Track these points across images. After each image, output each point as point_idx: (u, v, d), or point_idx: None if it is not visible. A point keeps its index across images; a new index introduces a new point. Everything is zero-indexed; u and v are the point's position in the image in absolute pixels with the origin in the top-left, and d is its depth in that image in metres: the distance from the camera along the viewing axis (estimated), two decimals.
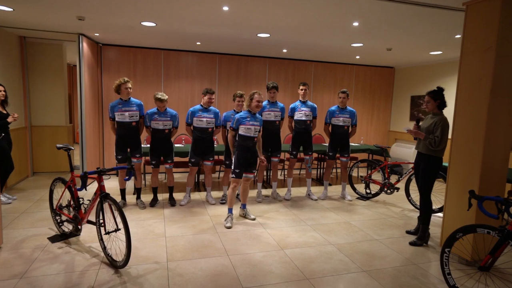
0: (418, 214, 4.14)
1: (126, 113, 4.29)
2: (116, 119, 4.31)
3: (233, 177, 4.06)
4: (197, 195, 5.26)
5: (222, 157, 5.56)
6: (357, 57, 6.73)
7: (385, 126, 8.14)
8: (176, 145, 5.46)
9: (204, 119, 4.56)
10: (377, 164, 5.15)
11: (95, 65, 5.91)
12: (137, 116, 4.38)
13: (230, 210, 4.13)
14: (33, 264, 2.92)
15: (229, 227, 3.96)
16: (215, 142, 6.00)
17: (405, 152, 7.29)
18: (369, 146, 6.51)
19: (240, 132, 4.02)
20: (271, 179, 5.28)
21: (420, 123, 3.69)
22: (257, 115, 4.11)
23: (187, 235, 3.68)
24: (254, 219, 4.22)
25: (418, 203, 4.77)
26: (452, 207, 3.31)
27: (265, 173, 6.02)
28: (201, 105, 4.64)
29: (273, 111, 4.81)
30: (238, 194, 5.09)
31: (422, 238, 3.60)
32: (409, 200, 4.74)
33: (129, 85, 4.28)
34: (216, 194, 5.32)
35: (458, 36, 4.64)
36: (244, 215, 4.29)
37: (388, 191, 4.99)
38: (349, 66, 7.62)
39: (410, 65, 7.49)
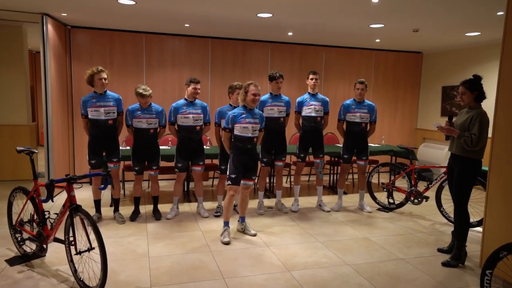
0: (452, 229, 4.12)
1: (101, 109, 4.29)
2: (90, 116, 4.31)
3: (229, 184, 4.05)
4: (186, 207, 5.24)
5: (216, 161, 5.55)
6: (377, 40, 6.73)
7: (411, 123, 8.14)
8: (161, 147, 5.46)
9: (190, 115, 4.55)
10: (402, 169, 5.14)
11: (62, 51, 5.91)
12: (114, 112, 4.38)
13: (226, 224, 4.12)
14: None
15: (226, 243, 3.96)
16: (208, 143, 5.99)
17: (436, 154, 7.28)
18: (392, 147, 6.49)
19: (236, 132, 4.00)
20: (275, 187, 5.28)
21: (454, 119, 3.68)
22: (256, 110, 4.10)
23: (174, 254, 3.66)
24: (254, 235, 4.20)
25: (452, 215, 4.76)
26: (493, 219, 3.29)
27: (267, 180, 6.01)
28: (185, 99, 4.64)
29: (277, 105, 4.80)
30: (235, 205, 5.08)
31: (458, 257, 3.58)
32: (441, 212, 4.73)
33: (104, 75, 4.27)
34: (210, 205, 5.31)
35: (500, 13, 4.63)
36: (243, 230, 4.28)
37: (416, 200, 4.98)
38: (367, 51, 7.61)
39: (441, 49, 7.49)
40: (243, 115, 3.99)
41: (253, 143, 4.05)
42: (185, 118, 4.54)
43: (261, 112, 4.21)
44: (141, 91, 4.31)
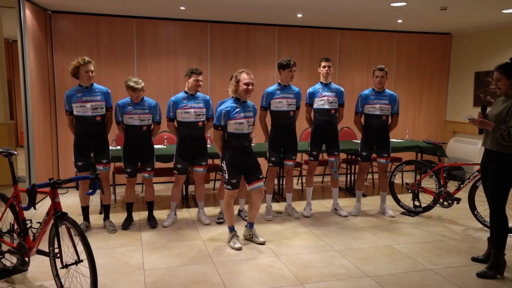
0: (488, 235, 4.10)
1: (88, 105, 4.31)
2: (75, 112, 4.34)
3: (228, 189, 4.06)
4: (185, 213, 5.26)
5: (218, 161, 5.57)
6: (399, 21, 6.69)
7: (439, 115, 8.09)
8: (156, 146, 5.48)
9: (191, 110, 4.57)
10: (429, 167, 5.11)
11: (43, 40, 5.95)
12: (102, 108, 4.40)
13: (231, 228, 4.16)
14: None
15: (238, 249, 4.01)
16: (208, 141, 6.00)
17: (468, 149, 7.23)
18: (417, 142, 6.46)
19: (230, 130, 3.99)
20: (285, 189, 5.28)
21: (488, 110, 3.65)
22: (248, 102, 4.09)
23: (172, 266, 3.68)
24: (263, 243, 4.21)
25: (488, 219, 4.73)
26: None
27: (276, 182, 6.02)
28: (185, 92, 4.65)
29: (286, 97, 4.79)
30: (240, 210, 5.10)
31: (495, 267, 3.56)
32: (475, 215, 4.70)
33: (91, 67, 4.29)
34: (211, 210, 5.32)
35: None
36: (251, 237, 4.30)
37: (445, 203, 4.96)
38: (388, 34, 7.57)
39: (473, 29, 7.43)
40: (237, 109, 3.95)
41: (249, 139, 4.07)
42: (185, 113, 4.55)
43: (253, 104, 4.18)
44: (132, 84, 4.33)
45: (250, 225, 4.32)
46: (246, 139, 4.02)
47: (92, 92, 4.36)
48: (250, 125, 4.03)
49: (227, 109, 3.95)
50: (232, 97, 4.03)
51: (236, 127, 3.95)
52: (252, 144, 4.50)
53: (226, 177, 4.04)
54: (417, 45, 7.77)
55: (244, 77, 3.91)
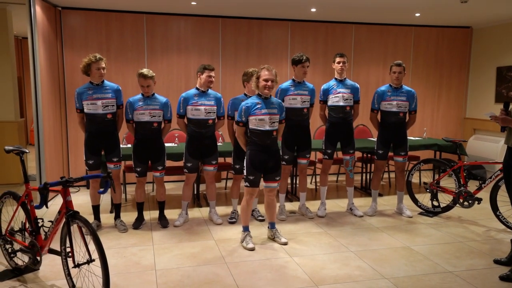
0: (511, 236, 4.06)
1: (99, 102, 4.36)
2: (85, 110, 4.39)
3: (246, 186, 4.08)
4: (197, 212, 5.30)
5: (229, 160, 5.58)
6: (417, 14, 6.63)
7: (459, 111, 8.00)
8: (167, 144, 5.51)
9: (202, 107, 4.59)
10: (448, 166, 5.07)
11: (53, 36, 6.02)
12: (113, 105, 4.45)
13: (246, 228, 4.19)
14: None
15: (251, 249, 4.04)
16: (220, 139, 6.02)
17: (489, 147, 7.15)
18: (436, 140, 6.40)
19: (251, 126, 4.03)
20: (298, 188, 5.28)
21: (511, 107, 3.60)
22: (273, 98, 4.11)
23: (184, 267, 3.71)
24: (286, 243, 4.24)
25: (511, 220, 4.69)
26: None
27: (289, 181, 6.01)
28: (196, 88, 4.67)
29: (300, 94, 4.79)
30: (253, 210, 5.10)
31: None
32: (497, 216, 4.65)
33: (103, 64, 4.34)
34: (223, 210, 5.35)
35: None
36: (273, 238, 4.33)
37: (465, 203, 4.91)
38: (405, 28, 7.51)
39: (495, 22, 7.33)
40: (258, 106, 4.00)
41: (273, 137, 4.05)
42: (196, 110, 4.57)
43: (280, 101, 4.21)
44: (144, 71, 4.38)
45: (272, 225, 4.35)
46: (267, 137, 4.02)
47: (103, 90, 4.40)
48: (274, 122, 4.03)
49: (247, 105, 4.01)
50: (256, 94, 4.10)
51: (256, 123, 3.98)
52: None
53: (245, 173, 4.08)
54: (435, 39, 7.69)
55: (265, 73, 3.95)
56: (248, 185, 4.08)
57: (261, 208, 5.18)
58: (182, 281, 3.44)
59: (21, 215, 3.51)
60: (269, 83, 3.96)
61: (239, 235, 4.29)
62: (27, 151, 3.60)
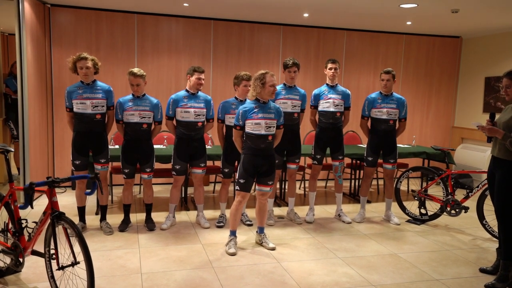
0: (497, 245, 4.10)
1: (88, 102, 4.33)
2: (75, 109, 4.35)
3: (237, 190, 4.09)
4: (184, 216, 5.27)
5: (218, 163, 5.57)
6: (408, 23, 6.70)
7: (447, 120, 8.09)
8: (156, 146, 5.49)
9: (191, 109, 4.58)
10: (436, 174, 5.12)
11: (41, 34, 5.96)
12: (103, 106, 4.42)
13: (233, 233, 4.19)
14: None
15: (232, 254, 4.03)
16: (209, 143, 6.02)
17: (476, 156, 7.23)
18: (425, 148, 6.46)
19: (247, 129, 4.05)
20: (287, 193, 5.29)
21: (496, 117, 3.66)
22: (271, 103, 4.14)
23: (170, 270, 3.69)
24: (273, 249, 4.24)
25: (496, 229, 4.74)
26: None
27: (278, 186, 6.02)
28: (186, 90, 4.66)
29: (291, 99, 4.81)
30: (241, 214, 5.10)
31: (504, 279, 3.56)
32: (484, 225, 4.70)
33: (87, 63, 4.29)
34: (211, 214, 5.33)
35: None
36: (261, 242, 4.33)
37: (453, 211, 4.96)
38: (396, 36, 7.59)
39: (484, 33, 7.44)
40: (255, 110, 4.02)
41: (268, 142, 4.06)
42: (185, 112, 4.57)
43: (278, 106, 4.24)
44: (135, 70, 4.37)
45: (260, 230, 4.36)
46: (262, 141, 4.03)
47: (94, 90, 4.37)
48: (270, 127, 4.04)
49: (245, 109, 4.04)
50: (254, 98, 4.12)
51: (252, 127, 4.00)
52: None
53: (237, 176, 4.11)
54: (426, 48, 7.78)
55: (271, 79, 4.00)
56: (239, 188, 4.09)
57: (249, 213, 5.19)
58: (168, 285, 3.42)
59: (4, 215, 3.46)
60: (275, 88, 4.08)
61: (227, 239, 4.29)
62: (12, 150, 3.56)
